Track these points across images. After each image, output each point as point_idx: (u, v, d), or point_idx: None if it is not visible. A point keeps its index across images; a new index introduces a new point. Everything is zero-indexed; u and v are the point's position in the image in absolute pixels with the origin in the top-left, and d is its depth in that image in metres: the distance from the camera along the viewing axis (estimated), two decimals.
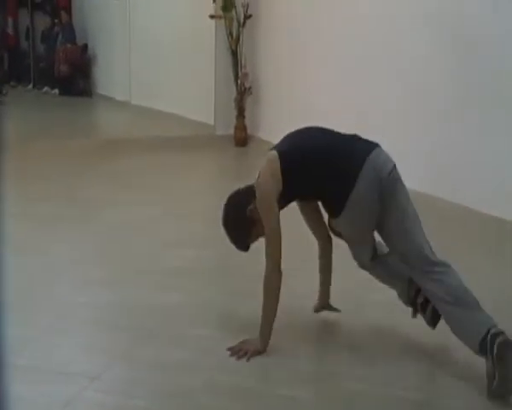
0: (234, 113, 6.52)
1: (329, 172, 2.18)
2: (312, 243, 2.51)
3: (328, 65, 5.43)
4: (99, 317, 2.60)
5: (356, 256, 2.39)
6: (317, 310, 2.52)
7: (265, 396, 2.04)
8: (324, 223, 2.42)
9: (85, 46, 10.56)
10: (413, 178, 3.97)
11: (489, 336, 1.99)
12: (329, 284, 2.51)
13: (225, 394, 2.04)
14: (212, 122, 6.79)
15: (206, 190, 4.95)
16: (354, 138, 2.29)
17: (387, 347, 2.37)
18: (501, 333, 1.99)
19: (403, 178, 2.23)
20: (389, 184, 2.16)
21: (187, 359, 2.25)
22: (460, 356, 2.25)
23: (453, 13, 4.12)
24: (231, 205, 2.36)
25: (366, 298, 2.75)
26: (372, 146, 2.22)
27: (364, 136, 2.30)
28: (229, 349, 2.27)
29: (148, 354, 2.29)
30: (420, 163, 4.33)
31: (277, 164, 2.21)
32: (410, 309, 2.39)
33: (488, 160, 3.92)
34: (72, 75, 10.20)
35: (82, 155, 5.76)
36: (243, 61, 6.42)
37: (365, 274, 2.47)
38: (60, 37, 10.59)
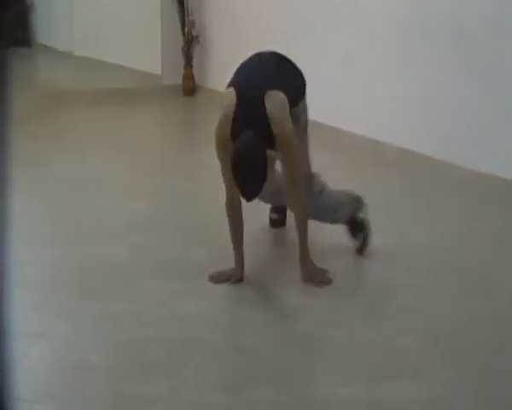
0: (181, 62, 6.38)
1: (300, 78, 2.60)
2: None
3: (276, 10, 5.33)
4: (45, 273, 2.55)
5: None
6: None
7: (219, 346, 2.05)
8: None
9: None
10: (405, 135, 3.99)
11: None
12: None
13: (177, 345, 2.03)
14: (159, 72, 6.63)
15: (155, 140, 4.87)
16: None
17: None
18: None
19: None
20: None
21: (137, 311, 2.24)
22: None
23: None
24: (261, 155, 2.22)
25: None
26: None
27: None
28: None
29: (97, 308, 2.27)
30: (412, 120, 4.13)
31: (287, 103, 2.35)
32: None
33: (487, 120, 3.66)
34: (9, 23, 9.73)
35: (23, 109, 5.55)
36: (190, 9, 6.26)
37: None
38: None
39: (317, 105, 4.63)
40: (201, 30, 6.34)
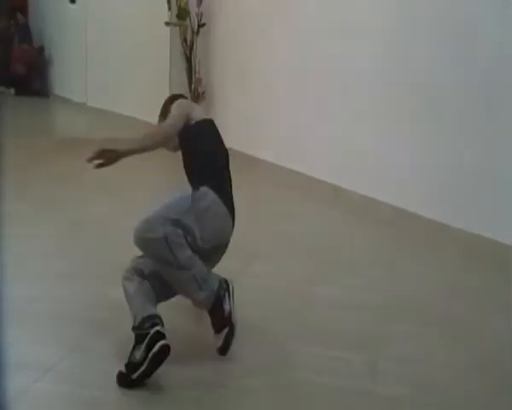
0: None
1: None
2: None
3: (277, 70, 5.74)
4: (54, 310, 2.67)
5: None
6: None
7: (215, 387, 2.13)
8: None
9: (42, 48, 10.64)
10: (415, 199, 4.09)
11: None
12: None
13: (176, 384, 2.13)
14: None
15: (160, 187, 5.16)
16: None
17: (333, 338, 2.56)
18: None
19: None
20: None
21: None
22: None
23: (453, 15, 3.90)
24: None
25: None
26: None
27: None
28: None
29: (101, 345, 2.38)
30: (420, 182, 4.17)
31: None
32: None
33: (493, 177, 3.70)
34: (29, 75, 10.26)
35: (40, 153, 5.90)
36: (197, 68, 6.70)
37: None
38: (16, 38, 10.64)
39: (317, 162, 5.01)
40: (207, 87, 6.77)
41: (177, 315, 2.63)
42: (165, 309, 2.37)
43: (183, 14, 6.54)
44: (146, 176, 5.53)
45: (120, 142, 2.46)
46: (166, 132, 2.58)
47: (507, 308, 2.98)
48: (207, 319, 2.36)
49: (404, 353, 2.46)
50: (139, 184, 5.18)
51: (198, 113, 2.67)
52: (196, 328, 2.59)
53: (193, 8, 6.57)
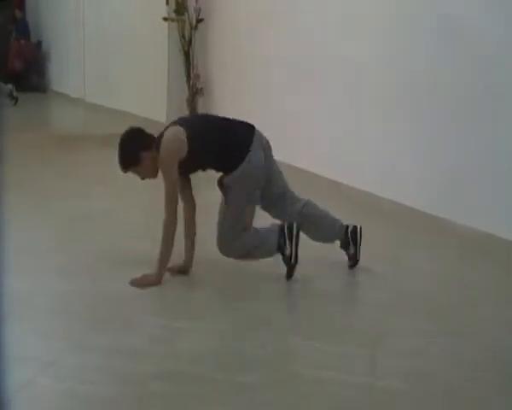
0: (186, 112, 6.77)
1: (228, 141, 2.92)
2: None
3: (276, 65, 5.74)
4: (54, 304, 2.69)
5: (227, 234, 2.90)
6: (178, 271, 2.99)
7: (215, 383, 2.13)
8: (191, 188, 3.06)
9: (39, 43, 10.62)
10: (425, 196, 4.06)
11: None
12: (194, 249, 3.02)
13: (175, 380, 2.13)
14: (164, 120, 7.02)
15: (155, 184, 5.18)
16: (237, 120, 3.07)
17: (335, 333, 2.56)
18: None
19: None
20: (268, 148, 3.10)
21: (138, 346, 2.36)
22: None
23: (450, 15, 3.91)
24: (130, 138, 3.04)
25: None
26: (251, 125, 3.05)
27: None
28: (132, 281, 2.79)
29: (101, 340, 2.39)
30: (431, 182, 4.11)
31: (184, 135, 2.86)
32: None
33: (494, 172, 3.69)
34: (27, 71, 10.24)
35: (37, 149, 5.89)
36: (195, 63, 6.69)
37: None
38: (13, 33, 10.61)
39: (319, 159, 5.02)
40: (206, 82, 6.76)
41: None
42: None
43: (180, 8, 6.53)
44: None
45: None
46: (174, 196, 2.83)
47: (508, 303, 3.00)
48: None
49: (404, 347, 2.47)
50: (138, 178, 5.16)
51: (180, 136, 2.88)
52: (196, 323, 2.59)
53: (191, 3, 6.56)
